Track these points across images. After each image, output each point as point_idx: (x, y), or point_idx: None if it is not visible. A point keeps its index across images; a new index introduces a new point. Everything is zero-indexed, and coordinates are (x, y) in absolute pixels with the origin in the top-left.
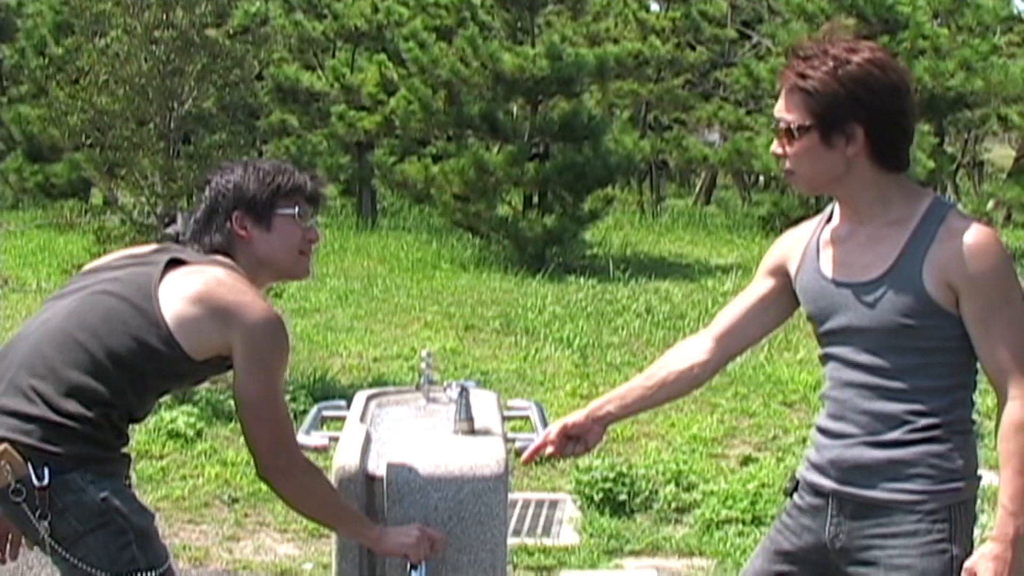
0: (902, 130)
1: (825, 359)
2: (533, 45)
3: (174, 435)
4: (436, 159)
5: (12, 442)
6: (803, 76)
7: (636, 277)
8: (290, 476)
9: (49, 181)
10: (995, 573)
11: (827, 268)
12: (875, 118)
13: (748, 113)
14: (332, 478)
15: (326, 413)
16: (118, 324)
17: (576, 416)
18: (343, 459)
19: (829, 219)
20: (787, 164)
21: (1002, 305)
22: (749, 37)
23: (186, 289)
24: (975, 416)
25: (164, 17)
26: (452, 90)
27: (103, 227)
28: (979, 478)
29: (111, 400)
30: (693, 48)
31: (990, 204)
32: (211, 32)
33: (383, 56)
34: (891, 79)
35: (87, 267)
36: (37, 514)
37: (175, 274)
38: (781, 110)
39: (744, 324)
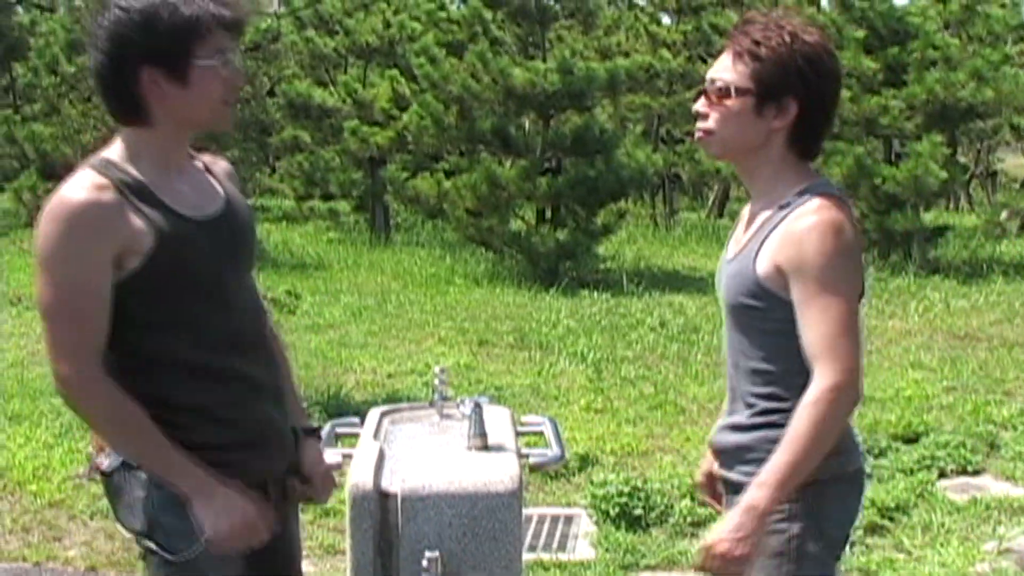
0: (828, 119)
1: None
2: (544, 60)
3: None
4: (448, 174)
5: None
6: (757, 43)
7: (650, 291)
8: (79, 390)
9: None
10: (729, 549)
11: (729, 246)
12: (812, 98)
13: None
14: (346, 495)
15: (340, 430)
16: None
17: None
18: (357, 476)
19: None
20: (707, 123)
21: (819, 291)
22: None
23: None
24: None
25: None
26: (464, 105)
27: None
28: (840, 461)
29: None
30: (704, 61)
31: (1003, 214)
32: None
33: (395, 71)
34: (836, 68)
35: None
36: (111, 501)
37: None
38: (722, 70)
39: None
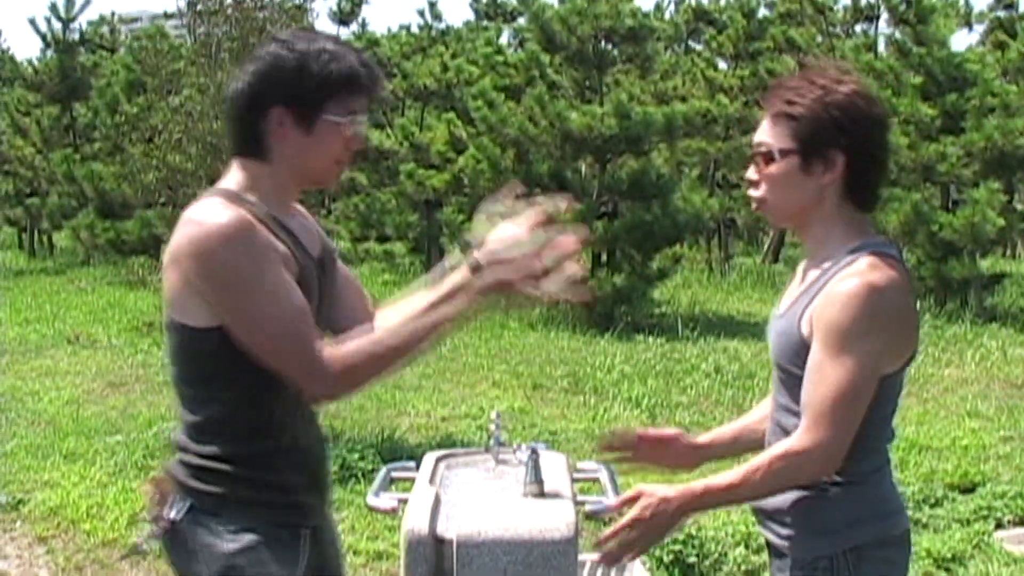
0: (880, 163)
1: None
2: (601, 104)
3: None
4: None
5: (172, 476)
6: (790, 103)
7: (704, 336)
8: (339, 381)
9: (120, 238)
10: (624, 533)
11: (782, 300)
12: (856, 147)
13: None
14: (401, 541)
15: (395, 474)
16: (168, 342)
17: (669, 432)
18: (412, 521)
19: None
20: (760, 191)
21: (836, 352)
22: None
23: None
24: (884, 466)
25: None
26: (520, 148)
27: None
28: (885, 525)
29: (211, 419)
30: (761, 106)
31: None
32: None
33: (452, 115)
34: (875, 112)
35: None
36: (169, 549)
37: None
38: (763, 134)
39: None
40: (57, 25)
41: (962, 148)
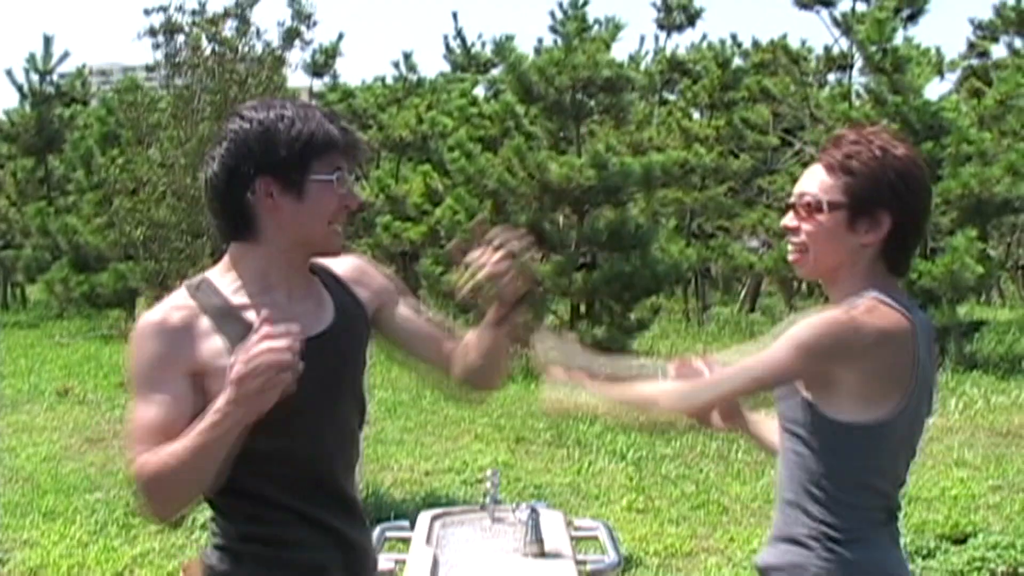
0: (920, 232)
1: None
2: (579, 154)
3: None
4: None
5: (204, 563)
6: (849, 156)
7: None
8: (142, 489)
9: (94, 291)
10: None
11: None
12: (905, 211)
13: None
14: None
15: (389, 534)
16: None
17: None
18: None
19: None
20: (799, 238)
21: (769, 349)
22: (791, 144)
23: None
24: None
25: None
26: (498, 200)
27: None
28: None
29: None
30: (736, 156)
31: None
32: None
33: (428, 166)
34: (927, 181)
35: None
36: None
37: None
38: (812, 185)
39: None
40: (34, 77)
41: (939, 196)
